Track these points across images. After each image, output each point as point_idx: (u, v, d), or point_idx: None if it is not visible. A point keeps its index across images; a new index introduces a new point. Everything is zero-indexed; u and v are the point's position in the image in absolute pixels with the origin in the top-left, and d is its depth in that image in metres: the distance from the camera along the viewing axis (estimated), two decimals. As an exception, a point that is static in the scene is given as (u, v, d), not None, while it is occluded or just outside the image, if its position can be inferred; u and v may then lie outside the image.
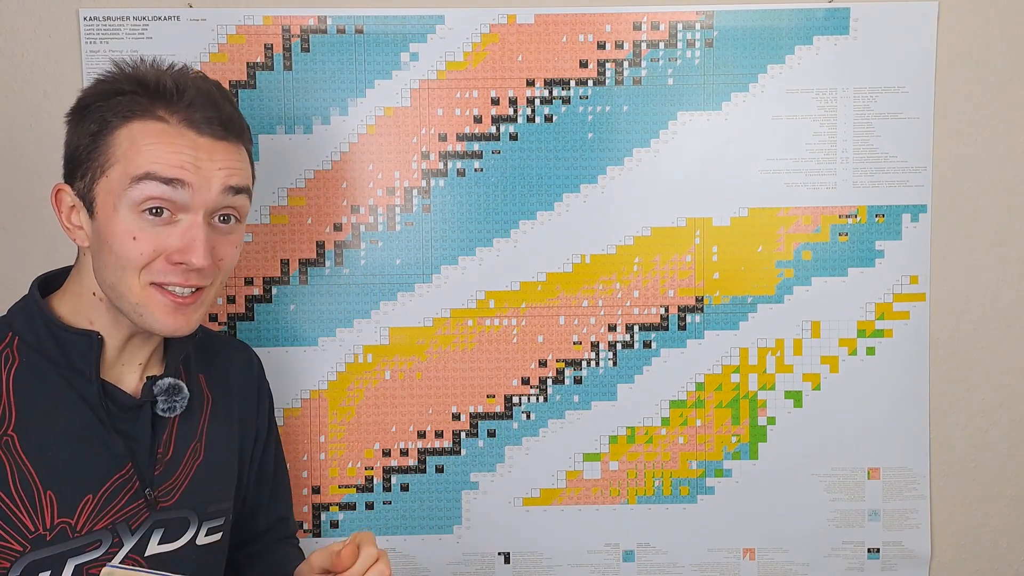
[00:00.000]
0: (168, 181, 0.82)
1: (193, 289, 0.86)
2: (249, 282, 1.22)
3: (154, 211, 0.83)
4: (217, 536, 0.96)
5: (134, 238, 0.83)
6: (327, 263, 1.23)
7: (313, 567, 0.91)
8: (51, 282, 0.92)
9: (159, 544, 0.89)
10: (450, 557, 1.26)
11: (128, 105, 0.84)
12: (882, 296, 1.26)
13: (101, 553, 0.85)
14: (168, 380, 0.91)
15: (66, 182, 0.87)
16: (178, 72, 0.87)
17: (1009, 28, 1.25)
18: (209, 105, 0.85)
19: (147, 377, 0.92)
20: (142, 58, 0.88)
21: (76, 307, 0.89)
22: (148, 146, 0.83)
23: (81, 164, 0.85)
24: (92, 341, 0.86)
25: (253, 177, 0.94)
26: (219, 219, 0.88)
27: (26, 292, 0.90)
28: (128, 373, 0.91)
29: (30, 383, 0.86)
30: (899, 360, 1.26)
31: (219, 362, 1.02)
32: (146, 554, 0.89)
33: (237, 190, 0.87)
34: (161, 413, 0.91)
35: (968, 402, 1.30)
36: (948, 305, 1.28)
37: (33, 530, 0.82)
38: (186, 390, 0.92)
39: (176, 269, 0.84)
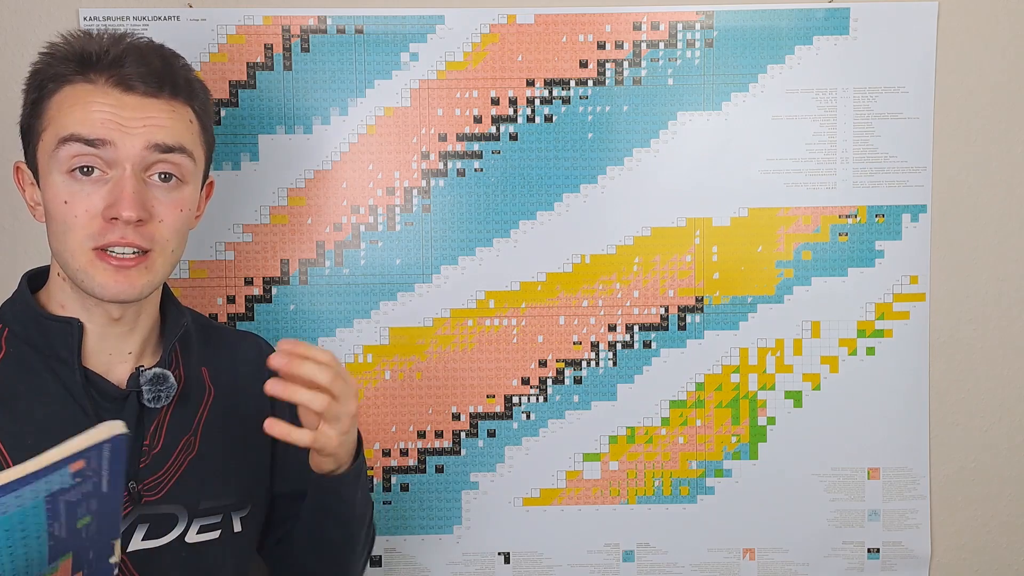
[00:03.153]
0: (90, 142, 0.82)
1: (135, 251, 0.85)
2: (249, 282, 1.22)
3: (85, 169, 0.83)
4: (214, 534, 0.92)
5: (65, 202, 0.83)
6: (327, 263, 1.23)
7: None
8: (42, 276, 0.93)
9: (143, 540, 0.87)
10: (450, 557, 1.26)
11: (61, 70, 0.85)
12: (882, 296, 1.26)
13: None
14: (155, 370, 0.90)
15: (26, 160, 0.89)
16: (113, 36, 0.87)
17: (1009, 28, 1.25)
18: (138, 62, 0.85)
19: (137, 368, 0.90)
20: (84, 30, 0.89)
21: (49, 292, 0.90)
22: (73, 107, 0.83)
23: (25, 135, 0.88)
24: (72, 328, 0.86)
25: (208, 141, 0.93)
26: (158, 177, 0.86)
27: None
28: (117, 363, 0.90)
29: (14, 374, 0.86)
30: (899, 360, 1.26)
31: (226, 355, 1.00)
32: (129, 549, 0.86)
33: (166, 148, 0.85)
34: (146, 403, 0.89)
35: (968, 402, 1.30)
36: (948, 305, 1.28)
37: None
38: (172, 380, 0.90)
39: (113, 226, 0.83)
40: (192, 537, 0.90)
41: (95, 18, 1.18)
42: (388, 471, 1.25)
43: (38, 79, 0.87)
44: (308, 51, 1.20)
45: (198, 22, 1.19)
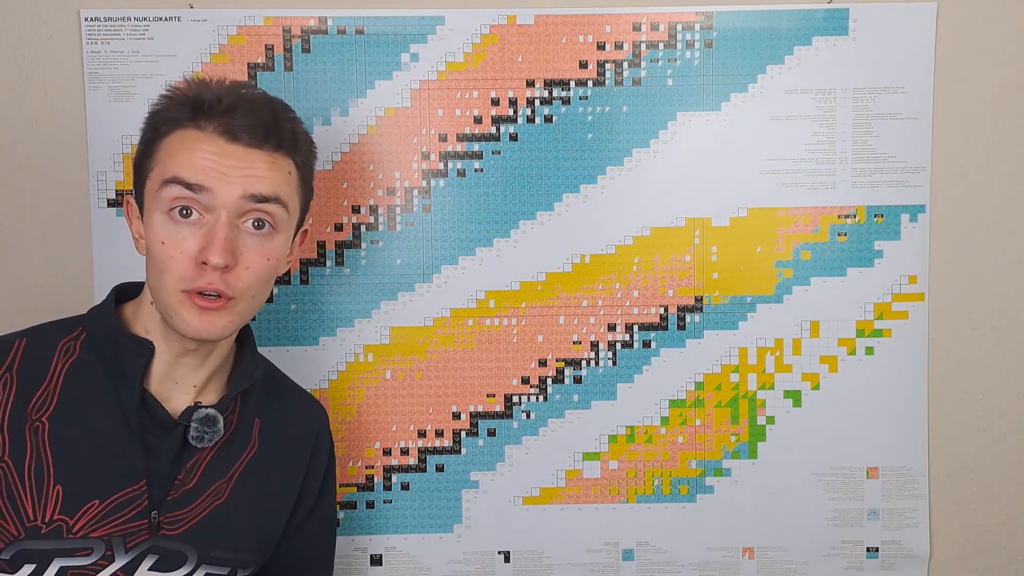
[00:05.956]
0: (190, 186, 0.85)
1: (217, 295, 0.86)
2: (250, 282, 1.22)
3: (184, 211, 0.85)
4: None
5: (162, 243, 0.86)
6: (328, 263, 1.23)
7: None
8: (132, 289, 0.96)
9: (149, 570, 0.88)
10: (450, 556, 1.26)
11: (175, 114, 0.88)
12: (881, 296, 1.26)
13: (90, 561, 0.85)
14: (209, 410, 0.91)
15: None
16: (228, 84, 0.91)
17: (1008, 28, 1.25)
18: (248, 113, 0.87)
19: (195, 403, 0.92)
20: (203, 78, 0.92)
21: (136, 314, 0.92)
22: (179, 151, 0.86)
23: (136, 171, 0.90)
24: (143, 348, 0.89)
25: (305, 193, 0.95)
26: (252, 224, 0.88)
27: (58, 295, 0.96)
28: (179, 393, 0.92)
29: (80, 378, 0.88)
30: (898, 360, 1.27)
31: (277, 412, 1.01)
32: None
33: (262, 198, 0.87)
34: (191, 440, 0.90)
35: (967, 402, 1.30)
36: (947, 305, 1.28)
37: (32, 519, 0.83)
38: (221, 424, 0.91)
39: (202, 271, 0.85)
40: None
41: (96, 19, 1.18)
42: (388, 470, 1.25)
43: (154, 120, 0.89)
44: (309, 52, 1.21)
45: (199, 23, 1.19)
